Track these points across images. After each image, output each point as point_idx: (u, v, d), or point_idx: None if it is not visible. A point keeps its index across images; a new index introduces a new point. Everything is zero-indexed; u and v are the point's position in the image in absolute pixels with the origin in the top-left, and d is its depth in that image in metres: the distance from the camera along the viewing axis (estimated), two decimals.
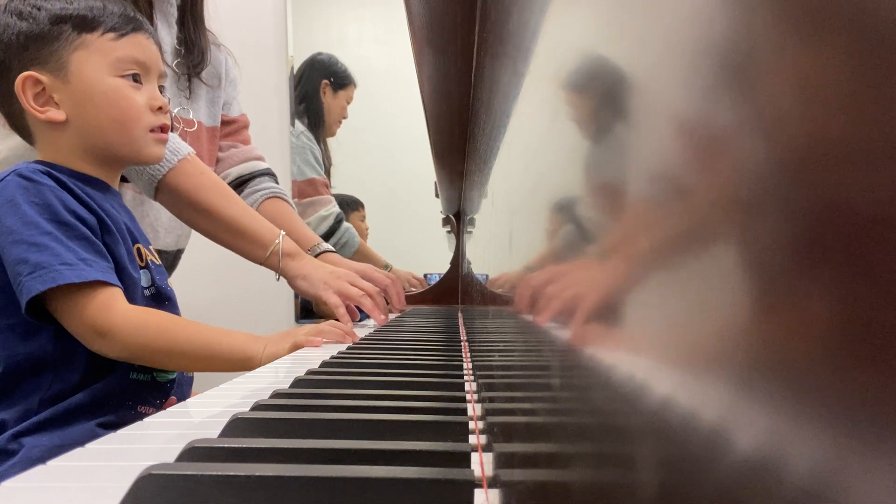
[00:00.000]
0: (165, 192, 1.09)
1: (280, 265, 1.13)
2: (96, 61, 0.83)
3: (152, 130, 0.86)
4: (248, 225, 1.12)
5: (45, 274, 0.75)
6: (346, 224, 2.20)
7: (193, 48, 1.32)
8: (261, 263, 1.15)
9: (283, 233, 1.15)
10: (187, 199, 1.09)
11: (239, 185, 1.40)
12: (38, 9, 0.82)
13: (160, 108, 0.87)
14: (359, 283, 1.17)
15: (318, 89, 2.30)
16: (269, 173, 1.44)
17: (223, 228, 1.11)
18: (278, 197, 1.41)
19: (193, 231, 1.26)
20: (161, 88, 0.89)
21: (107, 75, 0.83)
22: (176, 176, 1.07)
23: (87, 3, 0.83)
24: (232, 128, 1.44)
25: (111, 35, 0.83)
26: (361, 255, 2.19)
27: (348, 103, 2.35)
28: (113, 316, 0.77)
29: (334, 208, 2.21)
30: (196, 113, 1.35)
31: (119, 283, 0.80)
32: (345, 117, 2.35)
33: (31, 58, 0.82)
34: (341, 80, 2.33)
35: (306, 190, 2.24)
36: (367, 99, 2.46)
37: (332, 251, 1.37)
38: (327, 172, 2.33)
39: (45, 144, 0.85)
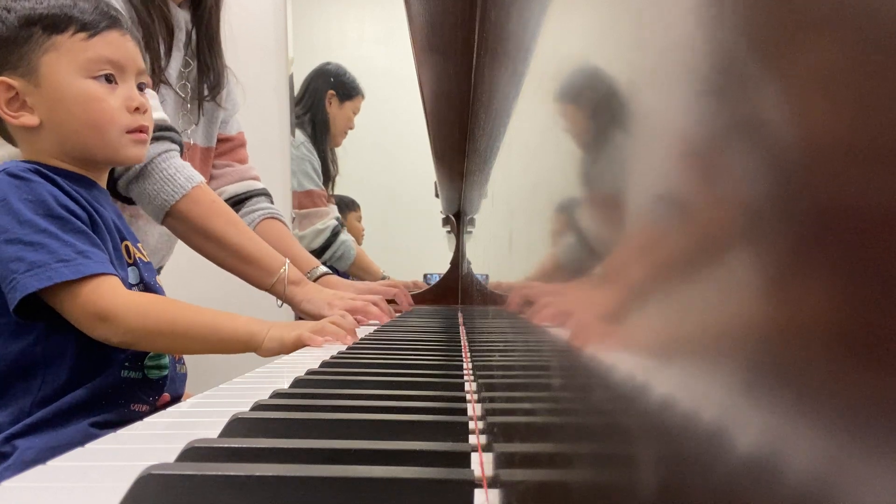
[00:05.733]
0: (176, 217, 1.10)
1: (286, 292, 1.16)
2: (66, 63, 0.81)
3: (130, 132, 0.85)
4: (255, 252, 1.15)
5: (41, 272, 0.74)
6: (342, 237, 2.20)
7: (209, 72, 1.32)
8: (266, 290, 1.17)
9: (288, 261, 1.17)
10: (197, 225, 1.11)
11: (234, 204, 1.40)
12: (8, 11, 0.81)
13: (137, 109, 0.85)
14: (361, 298, 1.21)
15: (322, 99, 2.29)
16: (265, 193, 1.45)
17: (231, 255, 1.14)
18: (275, 218, 1.43)
19: (179, 243, 1.28)
20: (141, 86, 0.87)
21: (78, 77, 0.81)
22: (188, 202, 1.09)
23: (58, 2, 0.82)
24: (228, 146, 1.44)
25: (82, 35, 0.82)
26: (357, 266, 2.19)
27: (355, 114, 2.34)
28: (114, 301, 0.77)
29: (331, 221, 2.20)
30: (193, 135, 1.34)
31: (116, 272, 0.80)
32: (351, 128, 2.35)
33: (2, 62, 0.81)
34: (348, 90, 2.32)
35: (304, 202, 2.24)
36: (367, 99, 2.46)
37: (329, 273, 1.39)
38: (332, 181, 2.33)
39: (26, 147, 0.85)
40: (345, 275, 2.08)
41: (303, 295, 1.17)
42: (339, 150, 2.41)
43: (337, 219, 2.24)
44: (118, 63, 0.84)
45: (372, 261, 2.25)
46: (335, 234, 2.19)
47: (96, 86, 0.83)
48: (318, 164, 2.28)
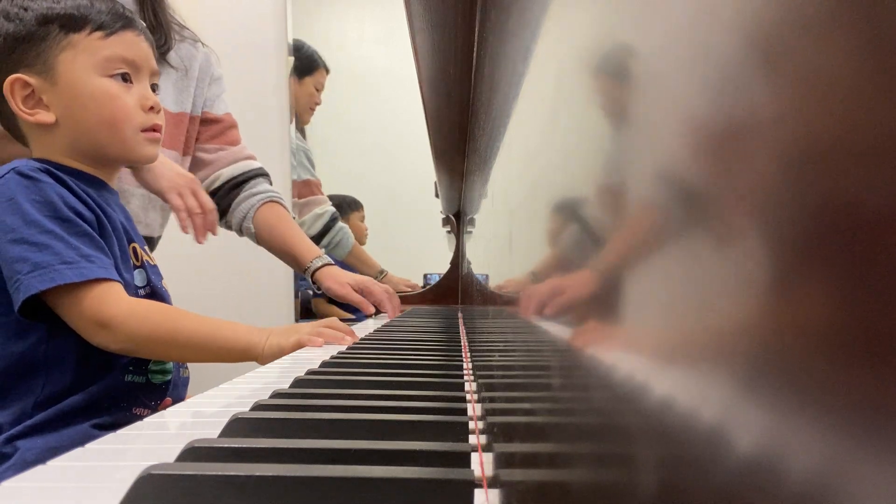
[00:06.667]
0: None
1: None
2: (83, 61, 0.82)
3: (144, 130, 0.86)
4: None
5: (44, 274, 0.74)
6: (340, 224, 2.19)
7: (154, 30, 1.29)
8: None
9: None
10: None
11: (232, 187, 1.39)
12: (25, 9, 0.81)
13: (152, 108, 0.86)
14: (200, 197, 1.15)
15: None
16: (262, 174, 1.44)
17: None
18: (275, 202, 1.41)
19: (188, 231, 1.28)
20: (154, 87, 0.88)
21: (94, 75, 0.82)
22: None
23: (75, 2, 0.82)
24: (217, 128, 1.42)
25: (99, 34, 0.82)
26: (355, 257, 2.18)
27: (319, 90, 2.30)
28: (114, 308, 0.77)
29: (329, 207, 2.20)
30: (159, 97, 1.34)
31: (119, 278, 0.80)
32: (317, 103, 2.30)
33: (18, 60, 0.81)
34: (305, 65, 2.27)
35: (302, 191, 2.24)
36: (367, 99, 2.46)
37: (331, 264, 1.39)
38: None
39: (39, 146, 0.85)
40: (342, 264, 2.07)
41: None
42: (338, 150, 2.41)
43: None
44: (133, 62, 0.85)
45: (368, 254, 2.25)
46: (334, 220, 2.18)
47: (112, 84, 0.83)
48: (310, 153, 2.27)
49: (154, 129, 0.87)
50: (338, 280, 1.39)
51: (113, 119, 0.83)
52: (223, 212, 1.41)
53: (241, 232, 1.42)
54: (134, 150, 0.86)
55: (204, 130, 1.40)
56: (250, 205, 1.39)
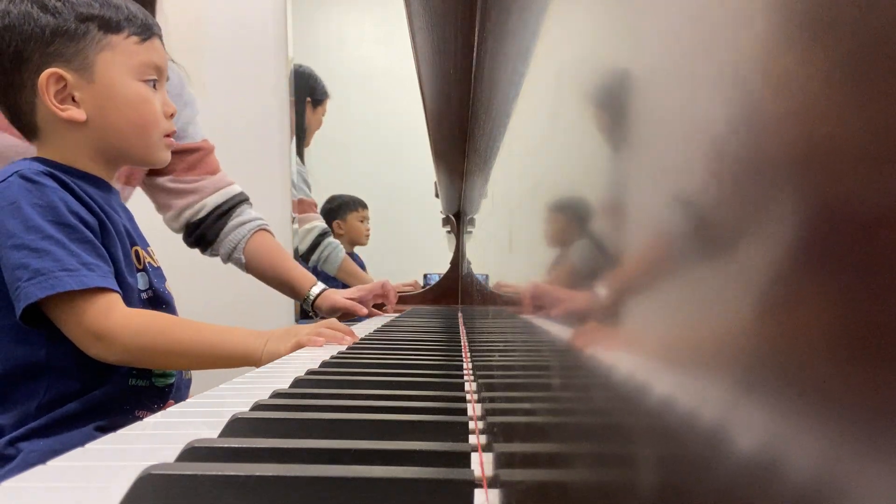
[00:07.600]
0: None
1: None
2: (121, 63, 0.83)
3: (166, 135, 0.88)
4: None
5: (44, 280, 0.74)
6: (329, 239, 2.20)
7: None
8: None
9: None
10: None
11: (219, 216, 1.34)
12: (63, 3, 0.81)
13: (171, 115, 0.89)
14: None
15: (303, 105, 2.32)
16: (245, 199, 1.38)
17: None
18: (265, 230, 1.38)
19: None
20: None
21: (131, 79, 0.84)
22: None
23: (112, 4, 0.83)
24: (196, 157, 1.33)
25: (135, 38, 0.84)
26: (345, 272, 2.18)
27: (323, 116, 2.38)
28: (111, 320, 0.77)
29: (319, 223, 2.22)
30: None
31: (118, 288, 0.80)
32: (318, 128, 2.39)
33: (55, 53, 0.80)
34: (320, 95, 2.36)
35: (296, 209, 2.27)
36: (367, 99, 2.46)
37: (327, 289, 1.40)
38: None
39: (54, 142, 0.84)
40: (334, 281, 2.08)
41: None
42: (337, 150, 2.42)
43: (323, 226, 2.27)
44: (161, 70, 0.87)
45: (359, 269, 2.25)
46: (323, 235, 2.20)
47: (146, 89, 0.85)
48: (306, 174, 2.30)
49: (170, 134, 0.89)
50: (332, 294, 1.40)
51: (144, 123, 0.85)
52: (210, 242, 1.35)
53: (227, 260, 1.37)
54: (155, 154, 0.88)
55: (179, 161, 1.29)
56: (240, 235, 1.34)
